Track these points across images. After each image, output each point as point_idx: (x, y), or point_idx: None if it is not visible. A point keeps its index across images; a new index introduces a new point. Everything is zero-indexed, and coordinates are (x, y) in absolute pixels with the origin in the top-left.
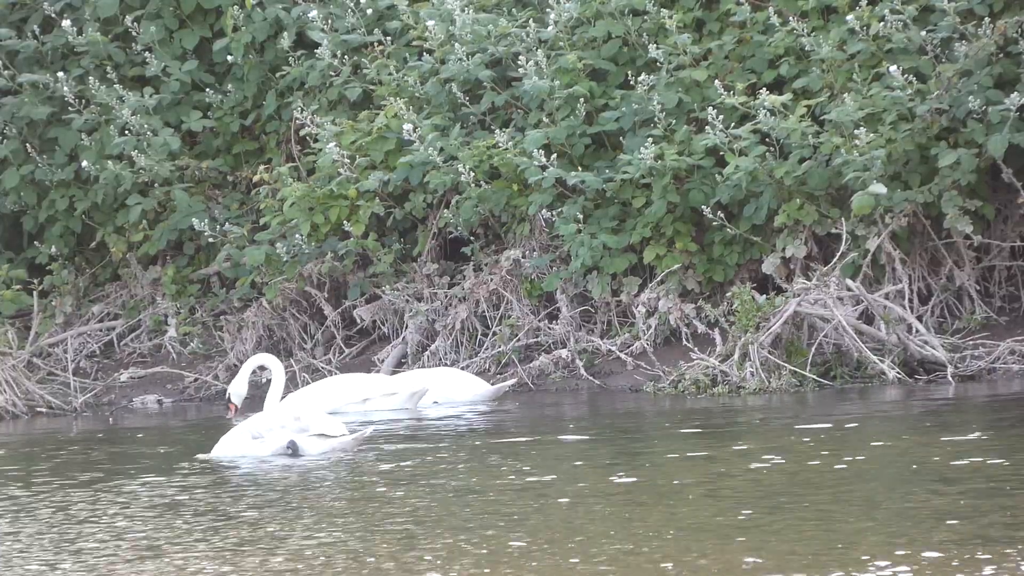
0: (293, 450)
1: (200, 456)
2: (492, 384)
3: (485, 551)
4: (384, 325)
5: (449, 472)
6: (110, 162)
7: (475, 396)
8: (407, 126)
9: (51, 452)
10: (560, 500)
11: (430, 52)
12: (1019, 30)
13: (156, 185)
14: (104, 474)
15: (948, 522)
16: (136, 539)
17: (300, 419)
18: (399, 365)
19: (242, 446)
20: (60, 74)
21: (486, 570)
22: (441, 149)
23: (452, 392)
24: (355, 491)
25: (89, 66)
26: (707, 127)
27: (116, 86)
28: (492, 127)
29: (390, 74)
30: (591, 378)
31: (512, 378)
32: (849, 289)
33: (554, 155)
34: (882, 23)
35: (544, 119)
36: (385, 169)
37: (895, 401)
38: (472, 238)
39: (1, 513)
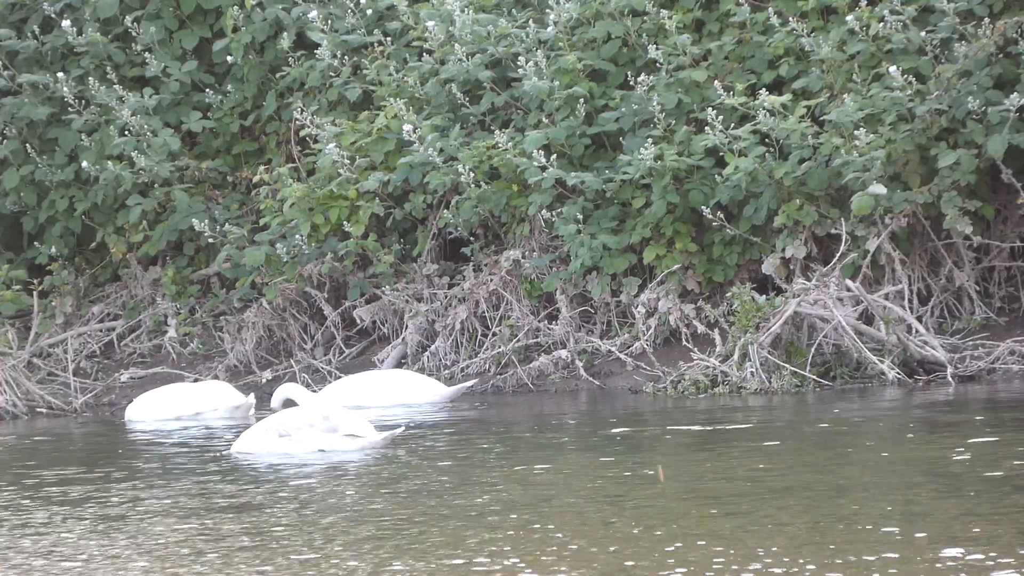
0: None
1: (221, 453)
2: (450, 386)
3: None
4: (384, 325)
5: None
6: (110, 162)
7: (433, 398)
8: (407, 127)
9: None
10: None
11: (430, 52)
12: (1019, 30)
13: (156, 185)
14: (113, 475)
15: (949, 523)
16: (172, 539)
17: (329, 419)
18: (399, 365)
19: (267, 443)
20: (60, 74)
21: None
22: (441, 150)
23: (408, 395)
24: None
25: (89, 66)
26: (707, 127)
27: (116, 86)
28: (492, 128)
29: (390, 75)
30: (591, 379)
31: (472, 379)
32: (849, 289)
33: (554, 155)
34: (882, 24)
35: (544, 119)
36: (385, 170)
37: (895, 401)
38: (472, 238)
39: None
